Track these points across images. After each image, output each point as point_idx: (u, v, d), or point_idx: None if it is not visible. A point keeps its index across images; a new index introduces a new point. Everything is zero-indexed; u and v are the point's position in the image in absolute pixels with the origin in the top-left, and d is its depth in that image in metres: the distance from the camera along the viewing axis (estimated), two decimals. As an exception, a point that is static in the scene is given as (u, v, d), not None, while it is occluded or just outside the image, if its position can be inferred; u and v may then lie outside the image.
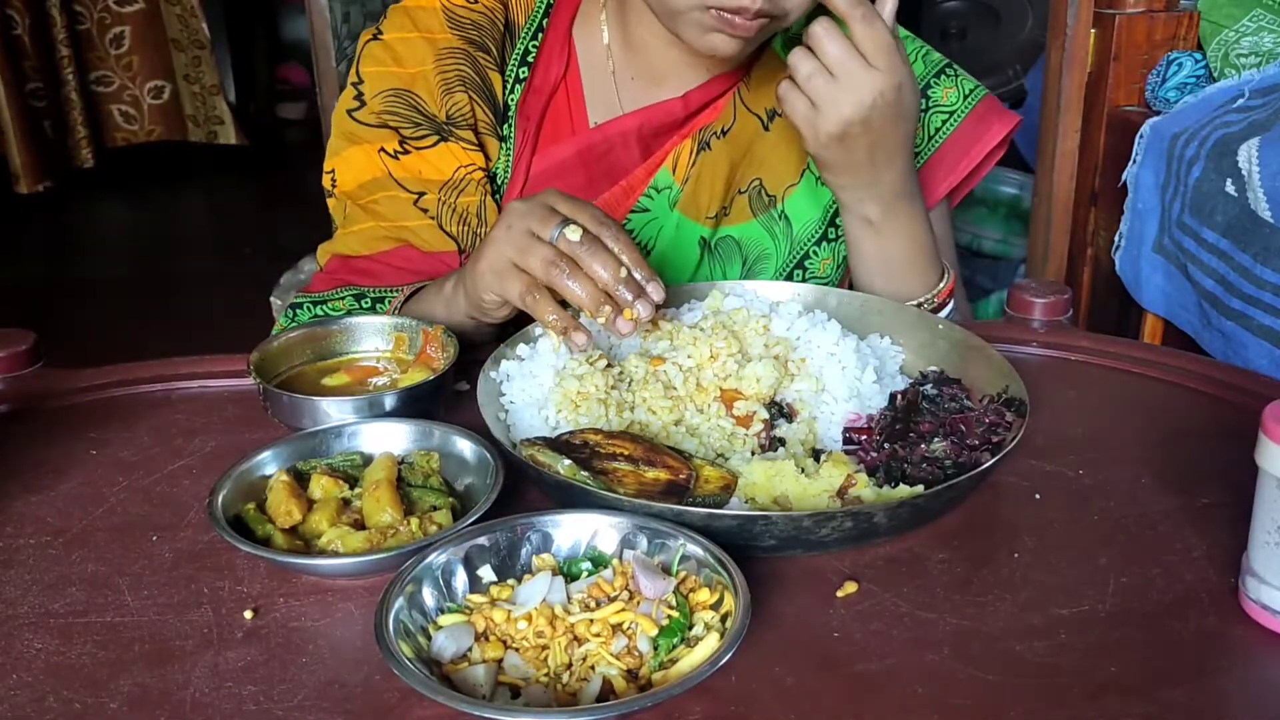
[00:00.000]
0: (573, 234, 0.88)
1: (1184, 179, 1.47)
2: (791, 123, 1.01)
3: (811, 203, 1.16)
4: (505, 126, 1.16)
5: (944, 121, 1.20)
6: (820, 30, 0.96)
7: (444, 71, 1.14)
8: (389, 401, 0.87)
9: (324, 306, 1.13)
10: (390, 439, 0.84)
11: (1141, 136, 1.58)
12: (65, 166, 4.34)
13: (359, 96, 1.15)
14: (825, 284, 1.17)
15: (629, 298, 0.88)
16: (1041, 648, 0.66)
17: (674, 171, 1.16)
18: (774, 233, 1.16)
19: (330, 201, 1.19)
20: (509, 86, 1.16)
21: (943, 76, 1.20)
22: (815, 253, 1.16)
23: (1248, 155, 1.35)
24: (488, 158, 1.15)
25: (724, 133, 1.16)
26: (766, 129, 1.17)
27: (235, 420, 0.94)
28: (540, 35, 1.18)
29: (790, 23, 1.04)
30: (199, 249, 4.19)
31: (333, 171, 1.16)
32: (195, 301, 3.48)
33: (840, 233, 1.16)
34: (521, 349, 0.94)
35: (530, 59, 1.17)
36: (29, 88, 4.18)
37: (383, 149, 1.13)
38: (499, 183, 1.16)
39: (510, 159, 1.16)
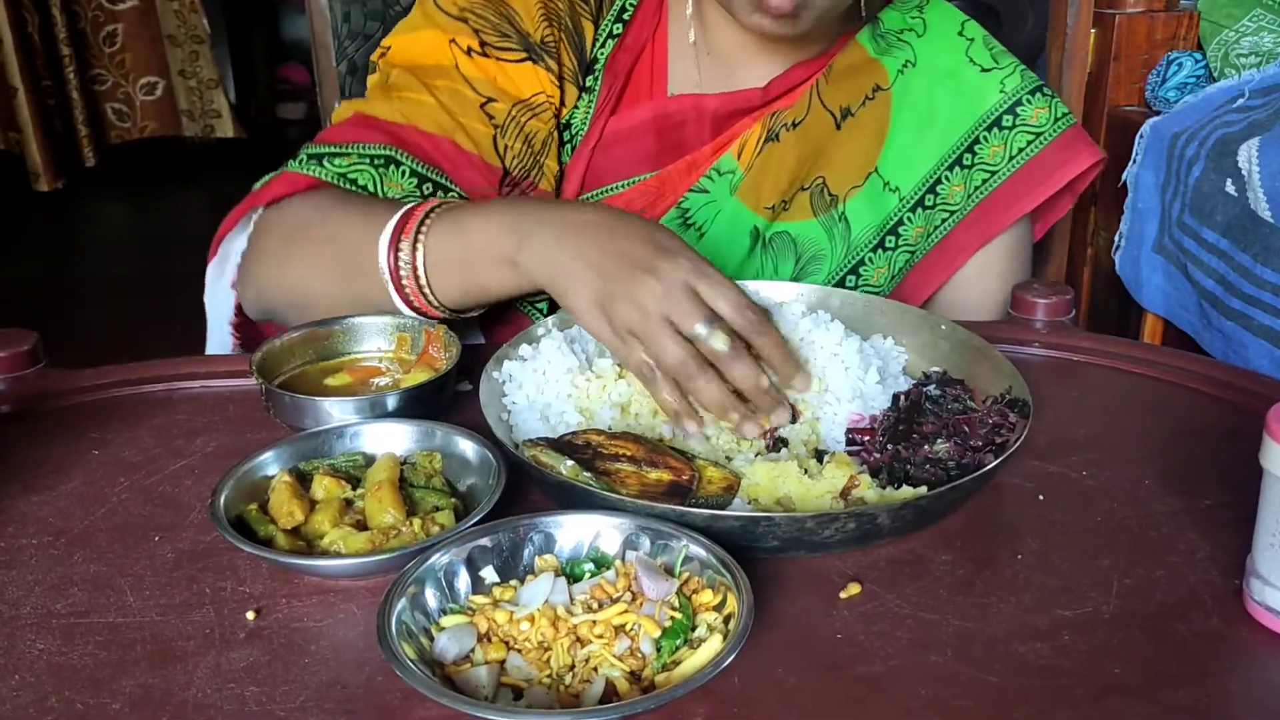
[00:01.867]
0: (720, 344, 0.80)
1: (1184, 179, 1.48)
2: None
3: (872, 208, 1.15)
4: (590, 78, 1.15)
5: (1028, 142, 1.15)
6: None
7: (545, 2, 1.12)
8: (391, 402, 0.87)
9: (334, 161, 1.03)
10: (392, 439, 0.84)
11: (1141, 136, 1.58)
12: (73, 165, 4.34)
13: None
14: (878, 293, 1.15)
15: (765, 408, 0.82)
16: (1044, 649, 0.66)
17: (739, 157, 1.15)
18: (833, 234, 1.15)
19: (371, 78, 1.12)
20: (600, 40, 1.15)
21: (1037, 95, 1.16)
22: (870, 259, 1.15)
23: (1248, 155, 1.35)
24: (563, 101, 1.13)
25: (795, 125, 1.15)
26: (838, 127, 1.15)
27: (237, 420, 0.93)
28: None
29: (837, 6, 1.03)
30: (200, 249, 4.15)
31: (388, 47, 1.10)
32: (196, 301, 3.45)
33: (898, 242, 1.14)
34: (524, 349, 0.93)
35: (626, 16, 1.16)
36: (41, 85, 4.19)
37: (454, 41, 1.08)
38: (574, 131, 1.14)
39: (591, 111, 1.14)
